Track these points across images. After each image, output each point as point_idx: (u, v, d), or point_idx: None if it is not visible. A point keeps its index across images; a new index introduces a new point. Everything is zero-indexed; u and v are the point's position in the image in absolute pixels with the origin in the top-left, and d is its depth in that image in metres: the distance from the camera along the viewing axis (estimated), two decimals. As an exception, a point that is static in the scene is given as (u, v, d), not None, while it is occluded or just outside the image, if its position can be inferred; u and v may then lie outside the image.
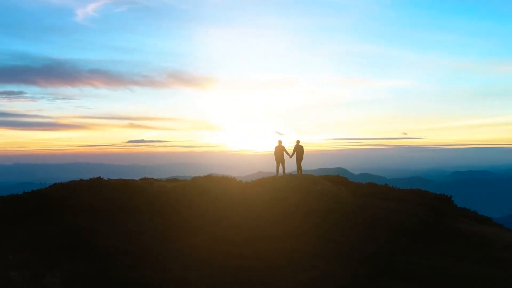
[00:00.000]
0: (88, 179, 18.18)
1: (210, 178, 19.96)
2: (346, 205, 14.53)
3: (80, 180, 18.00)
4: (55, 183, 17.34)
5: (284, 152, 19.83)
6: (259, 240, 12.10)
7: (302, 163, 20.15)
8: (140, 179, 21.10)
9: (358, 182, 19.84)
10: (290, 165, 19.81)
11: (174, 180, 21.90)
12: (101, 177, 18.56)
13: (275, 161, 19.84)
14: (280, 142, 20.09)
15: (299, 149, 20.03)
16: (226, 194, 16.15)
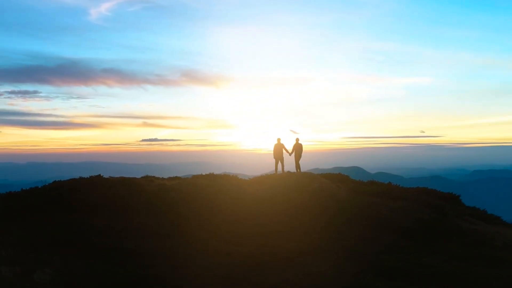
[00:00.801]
0: (88, 176, 18.54)
1: (210, 176, 20.17)
2: (341, 202, 14.60)
3: (80, 177, 18.35)
4: (54, 181, 17.70)
5: (283, 150, 19.93)
6: (249, 238, 12.24)
7: (301, 161, 20.23)
8: (142, 177, 21.42)
9: (358, 180, 19.84)
10: (291, 164, 19.90)
11: (175, 178, 22.16)
12: (101, 175, 18.89)
13: (274, 159, 19.97)
14: (279, 139, 20.19)
15: (298, 147, 20.11)
16: (223, 192, 16.32)
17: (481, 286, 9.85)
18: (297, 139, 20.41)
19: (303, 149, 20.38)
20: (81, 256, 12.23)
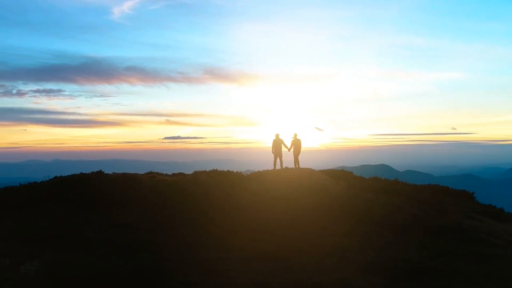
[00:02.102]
0: (89, 172, 19.14)
1: (213, 172, 20.52)
2: (334, 198, 14.72)
3: (81, 173, 18.96)
4: (55, 176, 18.34)
5: (282, 146, 20.15)
6: (235, 233, 12.51)
7: (300, 157, 20.41)
8: (145, 173, 21.94)
9: (361, 176, 19.87)
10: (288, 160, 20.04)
11: (179, 174, 22.60)
12: (102, 170, 19.46)
13: (273, 154, 20.20)
14: (277, 135, 20.43)
15: (296, 143, 20.31)
16: (220, 187, 16.63)
17: (465, 281, 9.86)
18: (295, 135, 20.60)
19: (302, 144, 20.58)
20: (73, 249, 12.73)
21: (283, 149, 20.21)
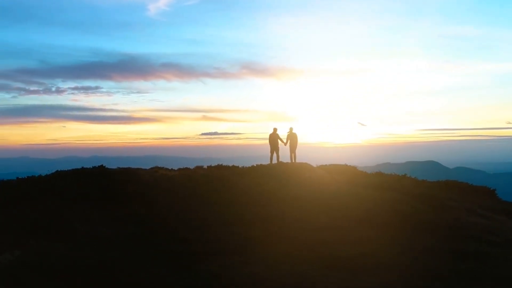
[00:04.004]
0: (91, 167, 20.06)
1: (217, 167, 21.07)
2: (323, 193, 14.89)
3: (83, 168, 19.90)
4: (57, 170, 19.35)
5: (278, 140, 20.52)
6: (217, 226, 12.97)
7: (297, 151, 20.64)
8: (150, 168, 22.72)
9: (362, 172, 19.86)
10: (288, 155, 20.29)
11: (184, 169, 23.26)
12: (103, 165, 20.34)
13: (270, 149, 20.57)
14: (275, 129, 20.80)
15: (292, 137, 20.59)
16: (211, 182, 17.13)
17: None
18: (291, 129, 20.88)
19: (298, 139, 20.81)
20: (58, 241, 13.52)
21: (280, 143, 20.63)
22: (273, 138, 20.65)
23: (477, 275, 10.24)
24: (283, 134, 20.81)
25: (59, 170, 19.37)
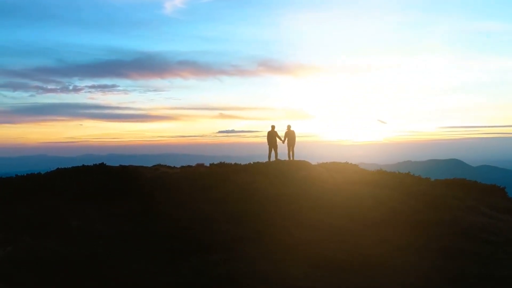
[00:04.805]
0: (92, 164, 20.43)
1: (219, 165, 21.28)
2: (315, 191, 15.00)
3: (83, 165, 20.29)
4: (58, 168, 19.77)
5: (276, 138, 20.74)
6: (206, 224, 13.18)
7: (295, 148, 20.81)
8: (152, 166, 23.05)
9: (365, 169, 19.84)
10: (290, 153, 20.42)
11: (187, 167, 23.52)
12: (104, 163, 20.69)
13: (268, 146, 20.77)
14: (273, 127, 21.05)
15: (290, 134, 20.77)
16: (210, 179, 17.35)
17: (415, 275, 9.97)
18: (289, 126, 21.06)
19: (296, 136, 20.96)
20: (52, 237, 13.88)
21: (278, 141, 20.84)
22: (271, 136, 20.87)
23: (460, 273, 10.24)
24: (281, 132, 21.08)
25: (60, 167, 19.78)
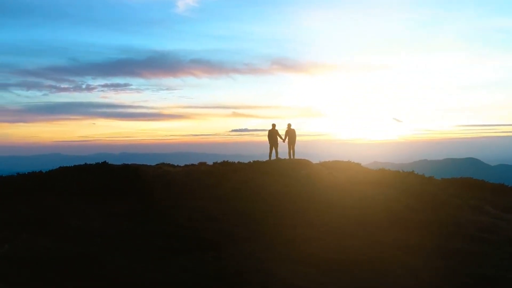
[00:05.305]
0: (94, 163, 20.70)
1: (222, 164, 21.43)
2: (312, 189, 15.07)
3: (86, 164, 20.58)
4: (60, 166, 20.07)
5: (277, 136, 20.89)
6: (201, 222, 13.33)
7: (296, 146, 20.92)
8: (155, 164, 23.29)
9: (367, 168, 19.83)
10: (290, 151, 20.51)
11: (191, 165, 23.72)
12: (106, 161, 20.96)
13: (269, 145, 20.91)
14: (274, 125, 21.17)
15: (291, 133, 20.89)
16: (210, 178, 17.50)
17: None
18: (289, 125, 21.19)
19: (296, 134, 21.06)
20: (49, 235, 14.13)
21: (279, 140, 21.02)
22: (272, 134, 21.01)
23: (451, 273, 10.24)
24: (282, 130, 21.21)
25: (61, 166, 20.07)
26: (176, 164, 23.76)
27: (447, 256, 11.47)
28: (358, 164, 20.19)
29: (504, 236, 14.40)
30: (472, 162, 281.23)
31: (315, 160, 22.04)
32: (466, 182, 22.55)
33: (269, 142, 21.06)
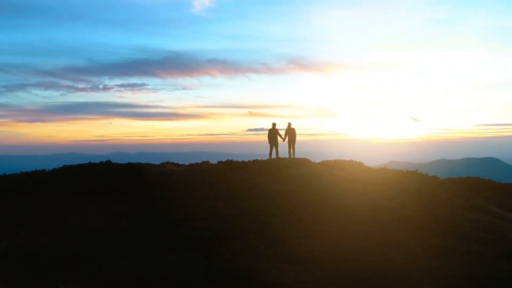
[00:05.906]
0: (98, 162, 21.01)
1: (226, 162, 21.59)
2: (309, 188, 15.13)
3: (90, 162, 20.89)
4: (64, 165, 20.42)
5: (277, 136, 21.00)
6: (198, 221, 13.50)
7: (296, 146, 20.97)
8: (160, 163, 23.53)
9: (369, 167, 19.79)
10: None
11: (195, 164, 23.91)
12: (110, 160, 21.25)
13: (269, 144, 21.02)
14: (274, 124, 21.29)
15: (291, 132, 20.96)
16: (209, 177, 17.66)
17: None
18: (289, 124, 21.28)
19: (296, 133, 21.13)
20: (47, 232, 14.43)
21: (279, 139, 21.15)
22: (272, 133, 21.13)
23: (444, 272, 10.23)
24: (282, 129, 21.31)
25: (66, 164, 20.40)
26: (180, 163, 23.98)
27: (442, 255, 11.43)
28: (361, 163, 20.18)
29: (502, 236, 14.29)
30: (491, 162, 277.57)
31: (323, 159, 22.13)
32: (472, 182, 22.41)
33: (269, 142, 21.21)
